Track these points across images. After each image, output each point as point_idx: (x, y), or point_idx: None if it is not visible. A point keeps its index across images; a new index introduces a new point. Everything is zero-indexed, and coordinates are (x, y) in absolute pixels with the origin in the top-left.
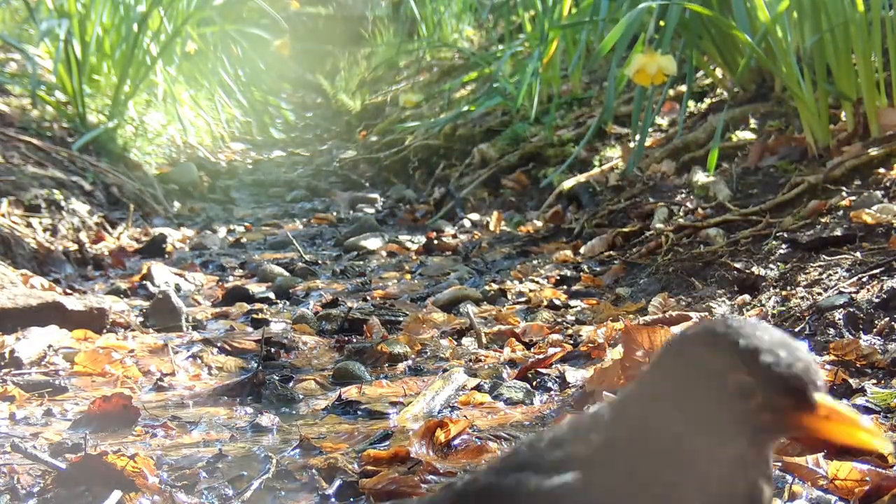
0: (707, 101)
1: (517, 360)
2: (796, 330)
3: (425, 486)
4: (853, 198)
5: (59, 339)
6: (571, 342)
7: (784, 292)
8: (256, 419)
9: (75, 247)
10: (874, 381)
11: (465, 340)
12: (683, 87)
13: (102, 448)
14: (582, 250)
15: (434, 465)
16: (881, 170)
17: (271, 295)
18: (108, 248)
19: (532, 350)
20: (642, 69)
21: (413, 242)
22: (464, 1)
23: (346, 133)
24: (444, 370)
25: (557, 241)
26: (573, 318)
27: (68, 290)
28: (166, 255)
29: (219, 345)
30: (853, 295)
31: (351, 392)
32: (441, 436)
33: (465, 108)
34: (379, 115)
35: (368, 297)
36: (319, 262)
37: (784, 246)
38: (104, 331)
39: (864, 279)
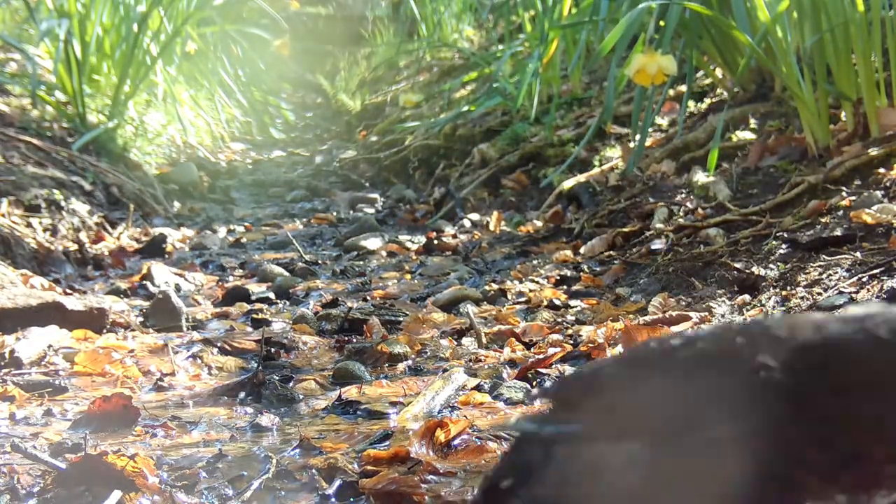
0: (707, 101)
1: (517, 360)
2: None
3: (425, 486)
4: (853, 198)
5: (59, 339)
6: (571, 342)
7: (784, 292)
8: (256, 419)
9: (75, 247)
10: None
11: (465, 340)
12: (683, 87)
13: (102, 448)
14: (582, 250)
15: (434, 465)
16: (881, 170)
17: (271, 295)
18: (108, 248)
19: (532, 350)
20: (642, 69)
21: (413, 242)
22: (464, 1)
23: (346, 133)
24: (444, 370)
25: (557, 241)
26: (573, 318)
27: (68, 290)
28: (166, 255)
29: (219, 345)
30: (853, 295)
31: (351, 392)
32: (441, 436)
33: (465, 108)
34: (379, 115)
35: (368, 297)
36: (319, 262)
37: (784, 246)
38: (104, 331)
39: (864, 279)
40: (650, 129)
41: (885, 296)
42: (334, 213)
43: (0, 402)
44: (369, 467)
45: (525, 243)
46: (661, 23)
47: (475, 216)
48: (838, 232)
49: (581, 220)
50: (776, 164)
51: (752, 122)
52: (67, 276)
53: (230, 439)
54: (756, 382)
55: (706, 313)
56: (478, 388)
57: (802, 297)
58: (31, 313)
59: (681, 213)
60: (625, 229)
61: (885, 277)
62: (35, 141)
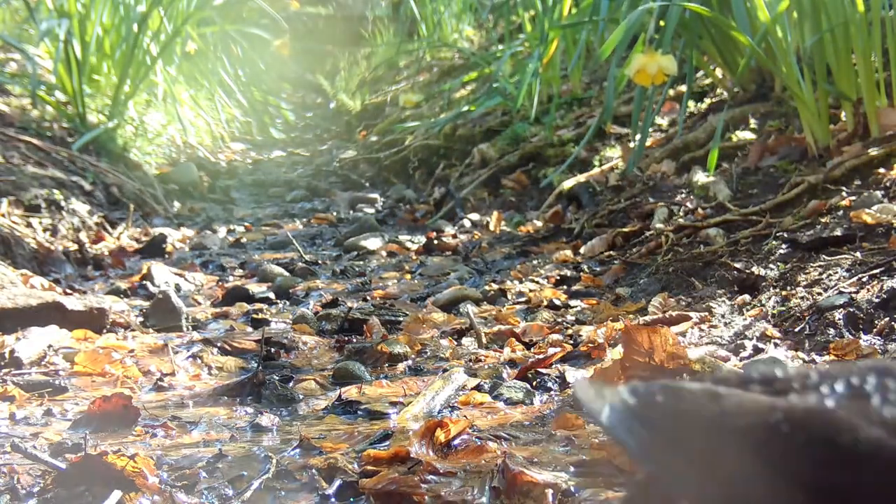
0: (707, 101)
1: (517, 360)
2: (796, 330)
3: (425, 486)
4: (853, 198)
5: (59, 339)
6: (571, 342)
7: (784, 292)
8: (256, 419)
9: (75, 247)
10: None
11: (465, 340)
12: (683, 87)
13: (102, 448)
14: (582, 250)
15: (434, 465)
16: (881, 170)
17: (271, 295)
18: (108, 248)
19: (532, 350)
20: (642, 69)
21: (413, 242)
22: (464, 1)
23: (346, 133)
24: (444, 370)
25: (557, 241)
26: (573, 318)
27: (68, 290)
28: (166, 255)
29: (219, 345)
30: (853, 295)
31: (351, 392)
32: (441, 436)
33: (465, 108)
34: (379, 115)
35: (368, 297)
36: (319, 262)
37: (784, 246)
38: (104, 331)
39: (864, 279)
40: (650, 129)
41: (885, 296)
42: (334, 213)
43: (0, 402)
44: (369, 467)
45: (525, 243)
46: (661, 23)
47: (475, 216)
48: (838, 232)
49: (581, 220)
50: (776, 164)
51: (752, 122)
52: (67, 276)
53: (230, 439)
54: None
55: (706, 313)
56: (478, 388)
57: (802, 297)
58: (31, 313)
59: (681, 213)
60: (625, 229)
61: (885, 277)
62: (35, 141)
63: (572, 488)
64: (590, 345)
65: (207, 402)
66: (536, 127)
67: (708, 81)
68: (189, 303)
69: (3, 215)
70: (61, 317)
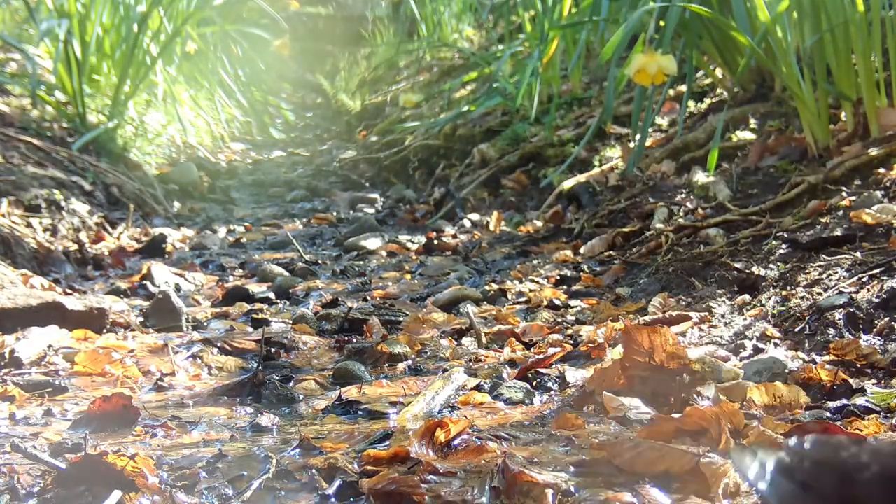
0: (707, 101)
1: (517, 360)
2: (796, 330)
3: (425, 486)
4: (853, 198)
5: (59, 339)
6: (571, 342)
7: (784, 292)
8: (256, 419)
9: (75, 247)
10: (874, 381)
11: (465, 340)
12: (683, 87)
13: (102, 448)
14: (582, 250)
15: (434, 465)
16: (881, 170)
17: (271, 295)
18: (108, 248)
19: (532, 350)
20: (642, 69)
21: (413, 242)
22: (464, 1)
23: (346, 133)
24: (444, 370)
25: (557, 241)
26: (573, 318)
27: (68, 290)
28: (166, 255)
29: (219, 345)
30: (853, 295)
31: (351, 392)
32: (441, 436)
33: (465, 108)
34: (379, 115)
35: (368, 297)
36: (319, 262)
37: (784, 246)
38: (104, 331)
39: (864, 279)
40: (650, 129)
41: (885, 296)
42: (334, 213)
43: (0, 402)
44: (369, 467)
45: (525, 243)
46: (661, 23)
47: (475, 216)
48: (838, 232)
49: (581, 220)
50: (776, 164)
51: (752, 122)
52: (67, 276)
53: (230, 439)
54: None
55: (706, 313)
56: (478, 388)
57: (802, 297)
58: (31, 313)
59: (681, 213)
60: (625, 229)
61: (885, 277)
62: (35, 141)
63: (572, 488)
64: (590, 345)
65: (207, 402)
66: (536, 127)
67: (708, 81)
68: (189, 303)
69: (3, 215)
70: (61, 317)
